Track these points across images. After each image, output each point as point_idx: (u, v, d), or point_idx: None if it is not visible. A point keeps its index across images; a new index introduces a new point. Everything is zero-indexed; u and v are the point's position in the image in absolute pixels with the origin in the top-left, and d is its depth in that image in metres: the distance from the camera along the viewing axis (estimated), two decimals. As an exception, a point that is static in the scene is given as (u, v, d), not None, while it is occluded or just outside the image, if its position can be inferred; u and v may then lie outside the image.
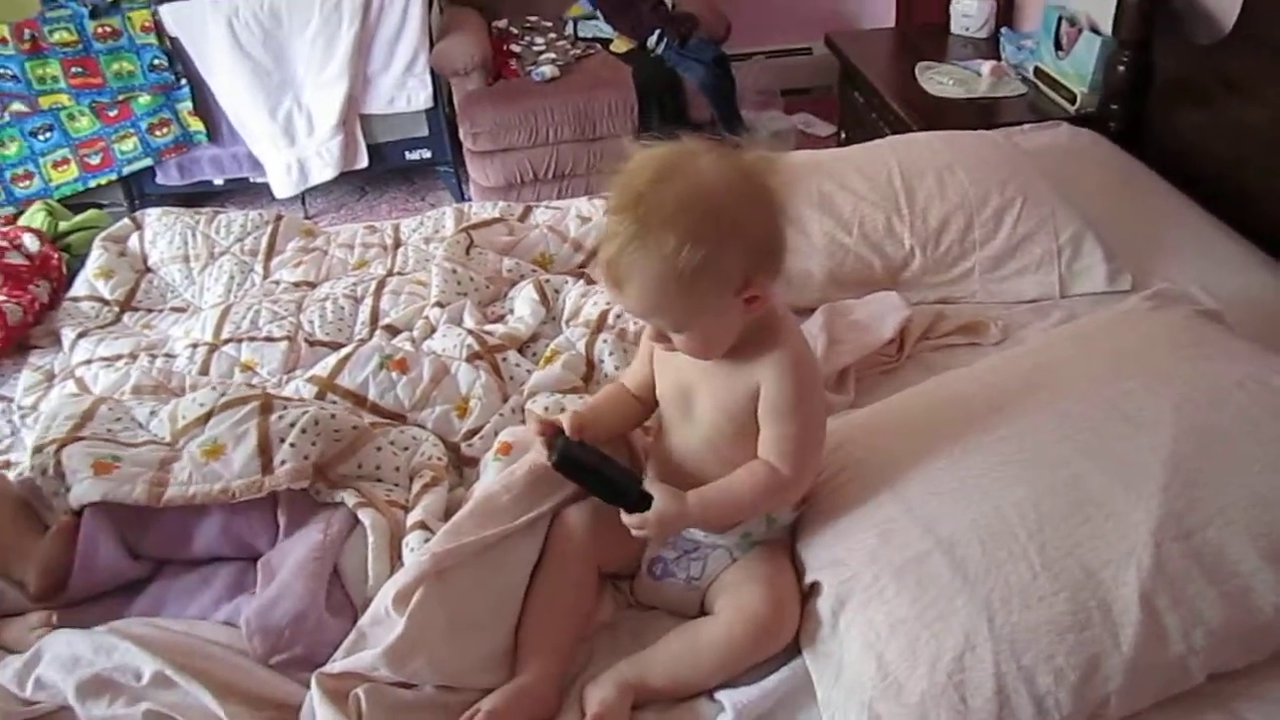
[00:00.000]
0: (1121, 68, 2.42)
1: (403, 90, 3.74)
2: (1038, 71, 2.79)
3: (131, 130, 3.68)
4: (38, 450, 1.46)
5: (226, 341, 1.81)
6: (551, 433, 1.24)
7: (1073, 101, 2.61)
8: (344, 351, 1.68)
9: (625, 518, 1.20)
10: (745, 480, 1.22)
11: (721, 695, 1.19)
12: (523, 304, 1.85)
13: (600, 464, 1.24)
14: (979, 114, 2.69)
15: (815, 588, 1.24)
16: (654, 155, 1.13)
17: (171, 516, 1.38)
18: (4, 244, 2.18)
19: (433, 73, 3.70)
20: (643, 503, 1.19)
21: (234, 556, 1.39)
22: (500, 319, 1.86)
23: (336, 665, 1.17)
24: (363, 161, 3.83)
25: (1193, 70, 2.27)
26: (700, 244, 1.07)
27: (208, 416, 1.49)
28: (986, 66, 2.86)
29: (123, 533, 1.37)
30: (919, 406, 1.44)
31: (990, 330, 1.77)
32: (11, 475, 1.52)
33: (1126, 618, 1.09)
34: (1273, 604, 1.12)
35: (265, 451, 1.41)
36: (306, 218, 3.81)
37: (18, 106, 3.58)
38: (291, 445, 1.41)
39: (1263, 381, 1.31)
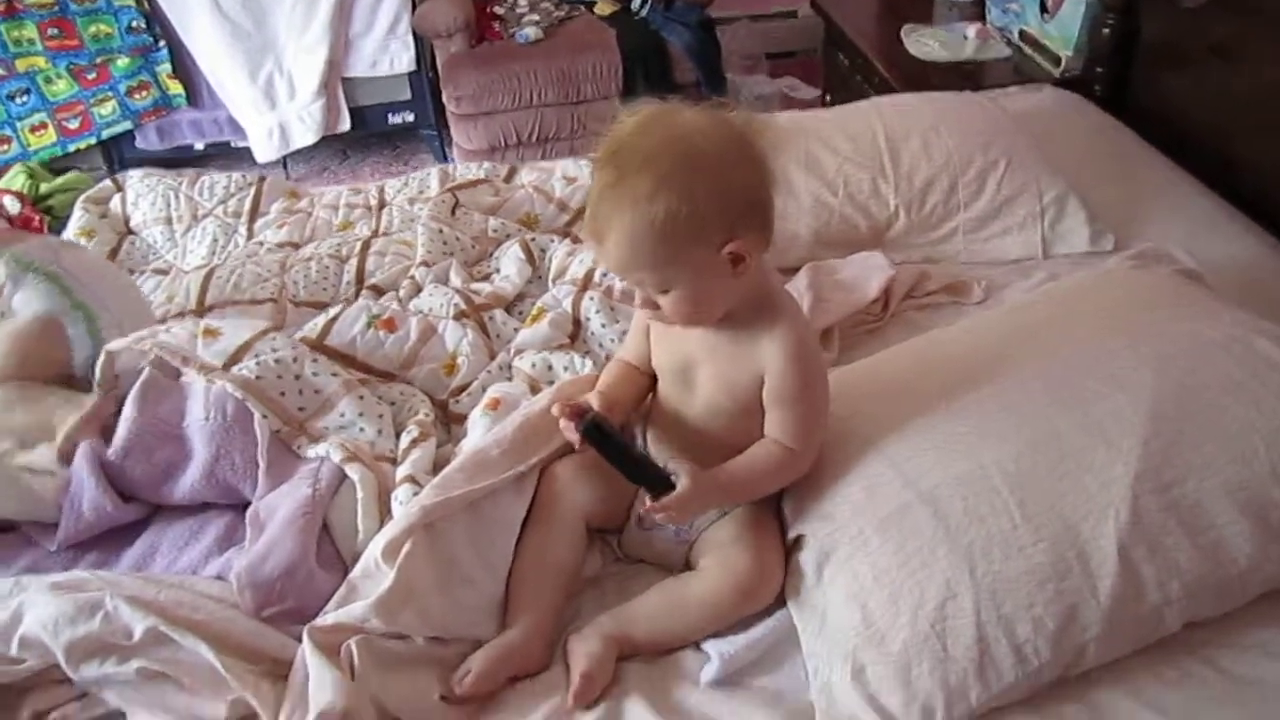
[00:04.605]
0: (1107, 31, 2.42)
1: (385, 53, 3.72)
2: (1023, 34, 2.79)
3: (110, 93, 3.65)
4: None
5: (210, 309, 1.80)
6: (577, 412, 1.21)
7: (1057, 65, 2.62)
8: (331, 312, 1.68)
9: (649, 501, 1.19)
10: (761, 459, 1.23)
11: (708, 645, 1.21)
12: (509, 263, 1.85)
13: (627, 443, 1.24)
14: (964, 77, 2.69)
15: (800, 541, 1.25)
16: (637, 111, 1.14)
17: (154, 454, 1.40)
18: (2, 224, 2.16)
19: (415, 35, 3.67)
20: (666, 485, 1.18)
21: (220, 503, 1.41)
22: (486, 278, 1.86)
23: (328, 618, 1.17)
24: (345, 125, 3.81)
25: (1178, 33, 2.27)
26: (675, 190, 1.07)
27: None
28: (972, 29, 2.86)
29: (108, 472, 1.38)
30: (903, 365, 1.45)
31: (974, 290, 1.78)
32: None
33: (1104, 569, 1.11)
34: (1246, 555, 1.14)
35: (240, 355, 1.47)
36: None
37: (-7, 70, 3.55)
38: (257, 361, 1.46)
39: (1244, 341, 1.32)
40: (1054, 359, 1.34)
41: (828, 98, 3.46)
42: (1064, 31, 2.61)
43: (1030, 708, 1.10)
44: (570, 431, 1.21)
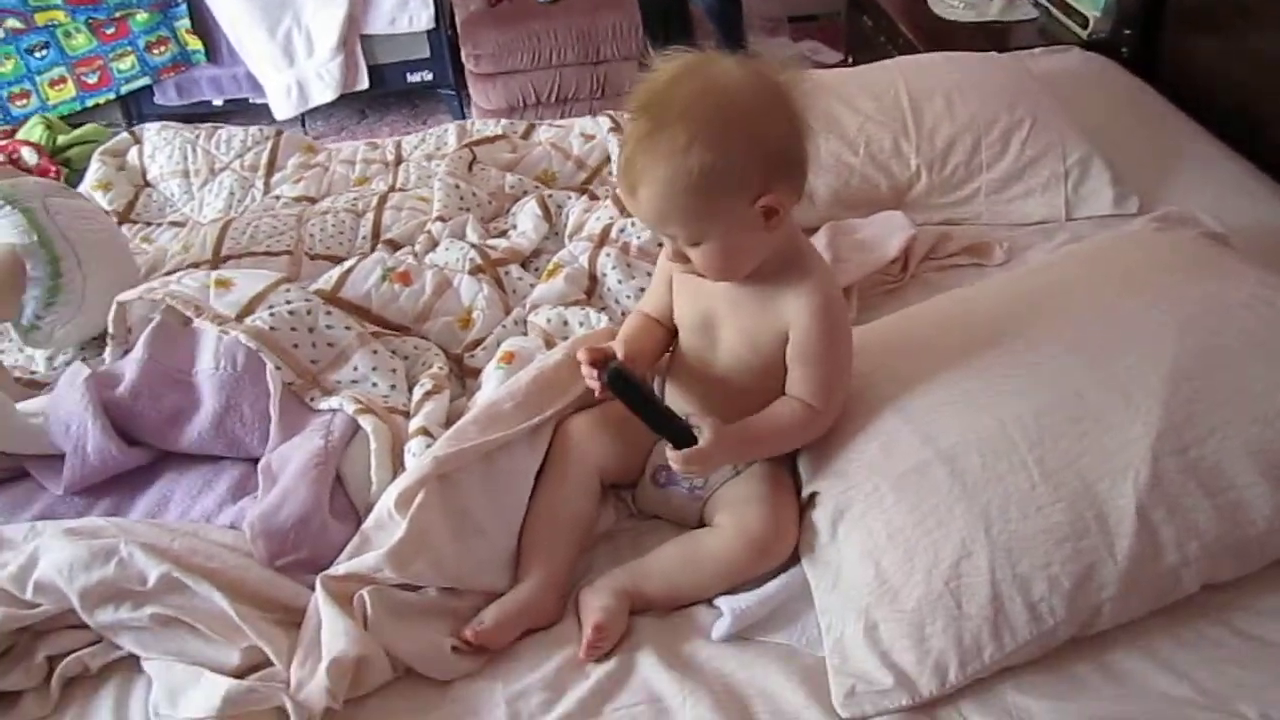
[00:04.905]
0: (1135, -9, 2.38)
1: (404, 10, 3.69)
2: (1050, -5, 2.75)
3: (129, 48, 3.64)
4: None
5: (226, 259, 1.79)
6: (601, 360, 1.20)
7: (1085, 26, 2.57)
8: (346, 264, 1.67)
9: (671, 452, 1.18)
10: (784, 416, 1.22)
11: (720, 601, 1.20)
12: (525, 219, 1.84)
13: (651, 392, 1.23)
14: (990, 38, 2.66)
15: (814, 498, 1.25)
16: (675, 61, 1.12)
17: (163, 399, 1.40)
18: (1, 158, 2.17)
19: (435, -8, 3.65)
20: (688, 437, 1.17)
21: (228, 456, 1.41)
22: (503, 234, 1.85)
23: (341, 568, 1.18)
24: (363, 83, 3.79)
25: (1207, -5, 2.23)
26: (712, 141, 1.05)
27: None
28: (998, -11, 2.81)
29: (115, 414, 1.38)
30: (922, 324, 1.44)
31: (995, 251, 1.76)
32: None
33: (1122, 528, 1.10)
34: (1265, 517, 1.13)
35: (254, 306, 1.47)
36: (306, 140, 3.79)
37: (13, 23, 3.53)
38: (271, 313, 1.46)
39: (1268, 302, 1.31)
40: (1075, 319, 1.32)
41: (850, 60, 3.42)
42: (1092, -8, 2.57)
43: (1045, 667, 1.10)
44: (593, 379, 1.20)
